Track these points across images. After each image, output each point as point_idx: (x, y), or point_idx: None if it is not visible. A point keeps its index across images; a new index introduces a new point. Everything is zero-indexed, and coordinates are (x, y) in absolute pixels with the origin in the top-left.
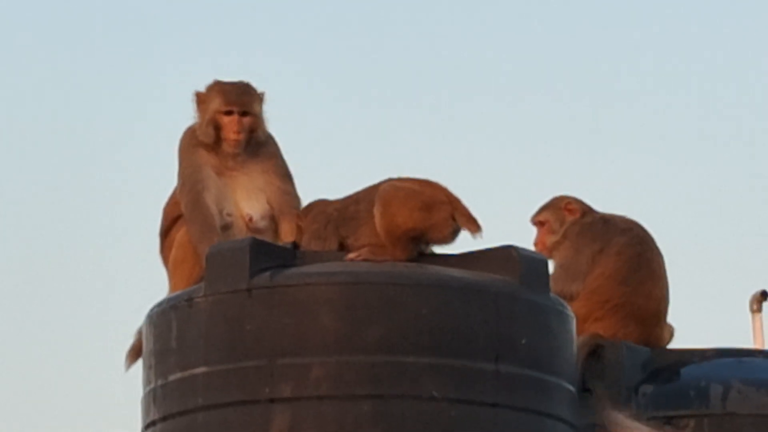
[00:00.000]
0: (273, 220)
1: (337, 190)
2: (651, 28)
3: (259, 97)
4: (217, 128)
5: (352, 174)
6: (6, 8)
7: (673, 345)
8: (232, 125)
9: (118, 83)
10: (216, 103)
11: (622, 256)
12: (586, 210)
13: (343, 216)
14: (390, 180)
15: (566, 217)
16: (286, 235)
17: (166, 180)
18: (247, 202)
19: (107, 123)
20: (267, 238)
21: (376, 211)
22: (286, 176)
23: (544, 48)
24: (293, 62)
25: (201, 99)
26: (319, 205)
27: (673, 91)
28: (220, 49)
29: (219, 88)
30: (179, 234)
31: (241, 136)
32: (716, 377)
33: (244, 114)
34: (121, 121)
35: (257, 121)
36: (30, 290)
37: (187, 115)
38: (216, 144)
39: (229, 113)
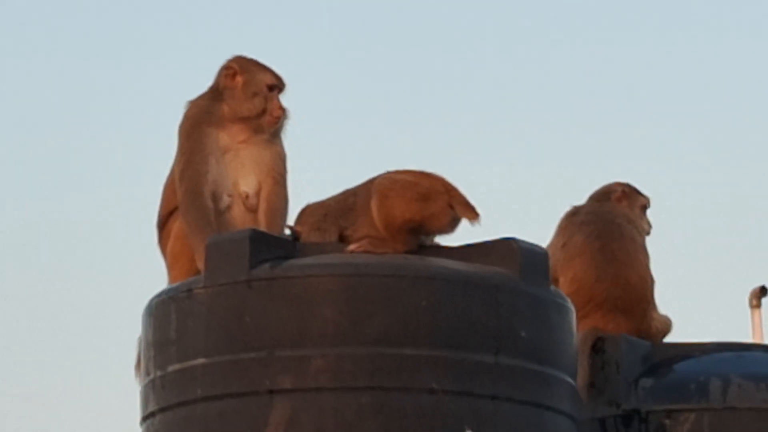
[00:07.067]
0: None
1: (331, 189)
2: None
3: None
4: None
5: (346, 173)
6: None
7: (673, 339)
8: (278, 102)
9: (109, 75)
10: (265, 76)
11: (585, 257)
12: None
13: (341, 207)
14: (386, 172)
15: None
16: (267, 201)
17: (159, 173)
18: (244, 179)
19: (100, 119)
20: (258, 215)
21: (373, 204)
22: (284, 158)
23: (543, 49)
24: (288, 58)
25: (241, 69)
26: (313, 204)
27: (679, 88)
28: (208, 46)
29: (259, 63)
30: (176, 225)
31: (284, 115)
32: (716, 371)
33: (280, 93)
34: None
35: None
36: (24, 291)
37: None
38: (240, 117)
39: (273, 89)
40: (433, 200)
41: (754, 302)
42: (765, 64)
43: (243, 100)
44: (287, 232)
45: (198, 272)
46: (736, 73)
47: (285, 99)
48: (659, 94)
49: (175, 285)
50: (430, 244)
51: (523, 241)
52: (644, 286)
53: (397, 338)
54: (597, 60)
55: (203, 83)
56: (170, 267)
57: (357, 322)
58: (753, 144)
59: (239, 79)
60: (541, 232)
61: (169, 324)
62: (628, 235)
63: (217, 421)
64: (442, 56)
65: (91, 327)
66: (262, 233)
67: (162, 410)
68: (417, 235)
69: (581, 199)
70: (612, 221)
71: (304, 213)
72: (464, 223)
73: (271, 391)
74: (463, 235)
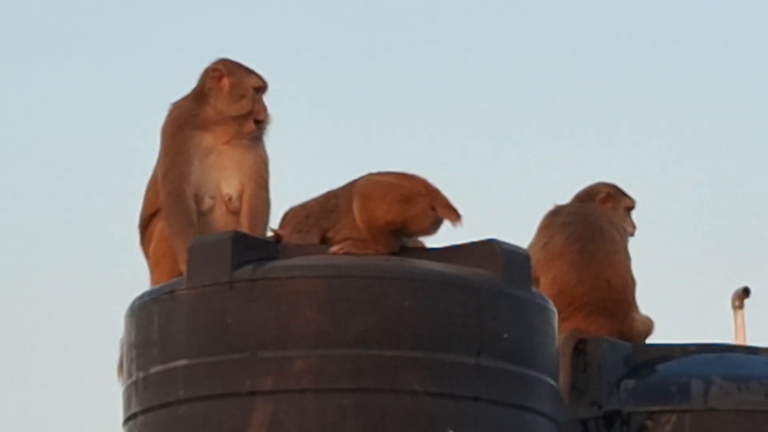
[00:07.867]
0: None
1: (314, 191)
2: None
3: None
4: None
5: (329, 174)
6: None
7: (655, 340)
8: (263, 105)
9: (91, 75)
10: (252, 79)
11: (565, 258)
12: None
13: (323, 209)
14: (368, 174)
15: None
16: (249, 204)
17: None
18: (227, 181)
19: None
20: (240, 218)
21: (355, 206)
22: (266, 161)
23: (528, 48)
24: (269, 61)
25: (228, 72)
26: (295, 207)
27: (670, 88)
28: (194, 48)
29: (244, 66)
30: (159, 227)
31: (267, 119)
32: (698, 373)
33: (263, 94)
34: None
35: None
36: (5, 292)
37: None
38: (225, 118)
39: (258, 90)
40: (415, 202)
41: (737, 304)
42: (749, 66)
43: (230, 102)
44: (269, 234)
45: (180, 274)
46: (718, 75)
47: (267, 101)
48: (646, 96)
49: (157, 286)
50: (413, 245)
51: (505, 243)
52: (625, 287)
53: (379, 339)
54: (583, 60)
55: (186, 85)
56: (153, 268)
57: (339, 323)
58: (736, 145)
59: (226, 81)
60: (523, 234)
61: (151, 325)
62: (609, 237)
63: (199, 423)
64: (424, 57)
65: (73, 328)
66: (245, 235)
67: (144, 411)
68: (399, 237)
69: (565, 199)
70: (592, 223)
71: (286, 217)
72: (446, 224)
73: (252, 393)
74: (445, 236)
